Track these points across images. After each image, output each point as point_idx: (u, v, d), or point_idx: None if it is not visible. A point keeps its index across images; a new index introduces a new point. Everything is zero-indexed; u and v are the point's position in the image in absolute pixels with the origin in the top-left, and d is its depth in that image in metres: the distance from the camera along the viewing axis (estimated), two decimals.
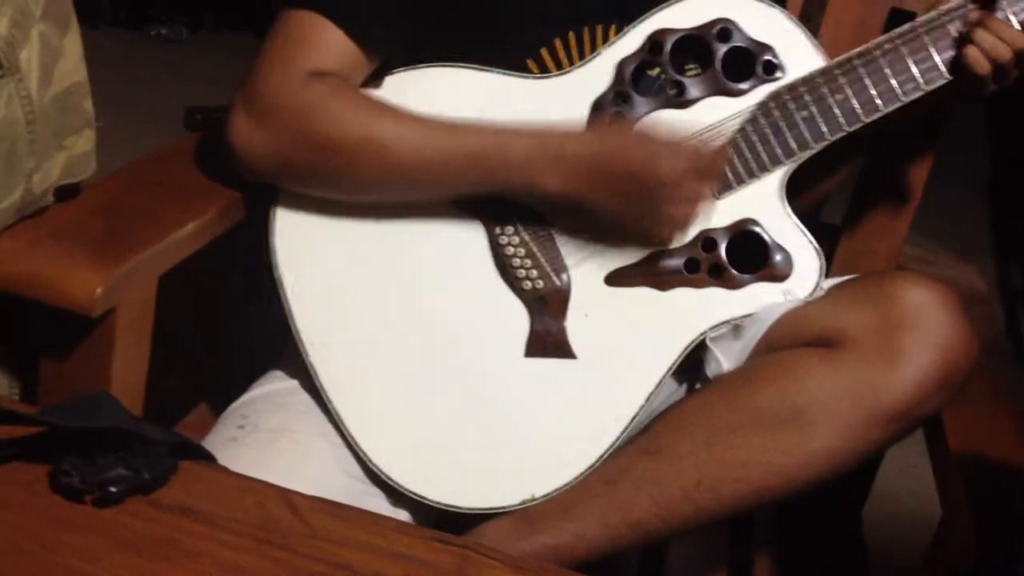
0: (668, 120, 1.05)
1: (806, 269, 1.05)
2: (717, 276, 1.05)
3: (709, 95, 1.06)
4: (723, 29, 1.06)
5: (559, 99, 1.06)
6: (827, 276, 1.06)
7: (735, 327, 1.04)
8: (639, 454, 1.01)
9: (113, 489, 0.70)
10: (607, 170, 0.99)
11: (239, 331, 1.26)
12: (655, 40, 1.06)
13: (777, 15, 1.07)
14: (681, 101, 1.06)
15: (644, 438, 1.02)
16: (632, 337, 1.05)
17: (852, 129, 1.05)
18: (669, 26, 1.06)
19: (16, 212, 0.92)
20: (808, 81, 1.05)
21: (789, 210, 1.06)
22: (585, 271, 1.05)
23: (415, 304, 1.05)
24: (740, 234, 1.05)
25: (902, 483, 1.69)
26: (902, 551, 1.50)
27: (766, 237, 1.05)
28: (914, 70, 1.04)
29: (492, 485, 1.02)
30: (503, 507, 1.01)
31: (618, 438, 1.03)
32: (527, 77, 1.07)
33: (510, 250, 1.05)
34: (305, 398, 1.05)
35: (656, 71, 1.07)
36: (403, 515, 1.03)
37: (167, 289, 0.99)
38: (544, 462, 1.03)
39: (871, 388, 0.95)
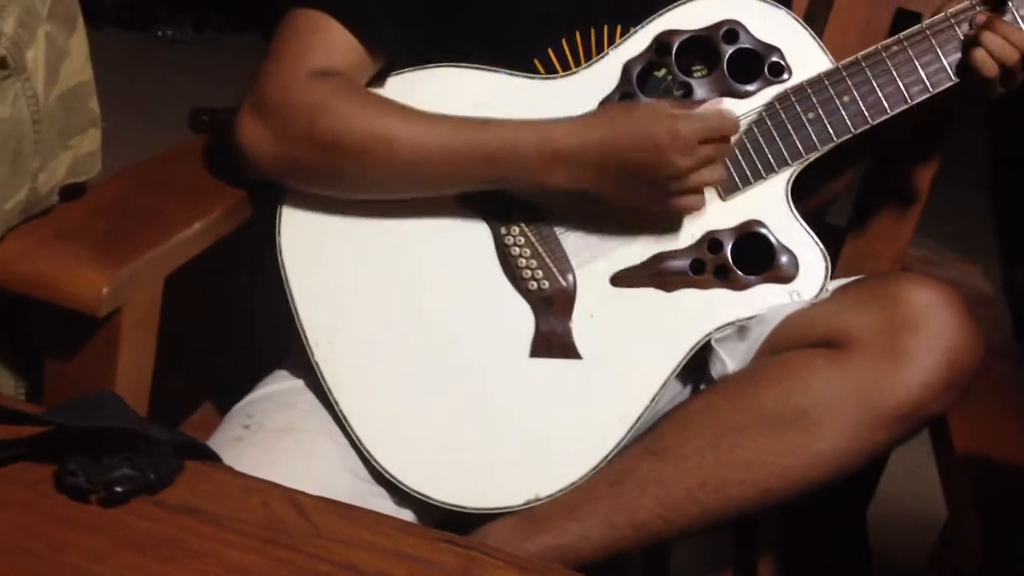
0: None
1: (812, 271, 1.04)
2: (723, 277, 1.05)
3: (716, 96, 1.06)
4: (730, 30, 1.06)
5: (565, 100, 1.06)
6: (832, 277, 1.06)
7: (740, 328, 1.04)
8: (644, 454, 1.01)
9: (118, 489, 0.70)
10: (611, 161, 0.99)
11: (245, 331, 1.26)
12: (662, 41, 1.06)
13: (784, 17, 1.07)
14: (688, 102, 1.05)
15: (649, 439, 1.02)
16: (637, 338, 1.04)
17: (859, 131, 1.05)
18: (676, 27, 1.06)
19: (22, 212, 0.92)
20: (815, 83, 1.05)
21: (795, 212, 1.05)
22: (591, 272, 1.05)
23: (421, 304, 1.05)
24: (746, 235, 1.05)
25: (907, 484, 1.68)
26: (907, 552, 1.49)
27: (772, 239, 1.05)
28: (921, 72, 1.04)
29: (497, 485, 1.02)
30: (507, 507, 1.01)
31: (623, 439, 1.03)
32: (533, 78, 1.07)
33: (516, 250, 1.05)
34: (310, 397, 1.05)
35: (663, 72, 1.07)
36: (408, 515, 1.03)
37: (173, 289, 0.99)
38: (549, 462, 1.03)
39: (876, 389, 0.95)
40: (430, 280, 1.05)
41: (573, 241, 1.05)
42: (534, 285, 1.05)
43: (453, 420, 1.03)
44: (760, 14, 1.07)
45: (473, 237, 1.05)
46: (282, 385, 1.08)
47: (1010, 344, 1.18)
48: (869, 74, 1.04)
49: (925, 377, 0.94)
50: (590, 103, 1.06)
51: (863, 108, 1.04)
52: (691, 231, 1.05)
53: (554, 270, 1.05)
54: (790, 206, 1.05)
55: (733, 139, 1.04)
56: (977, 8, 1.04)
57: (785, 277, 1.04)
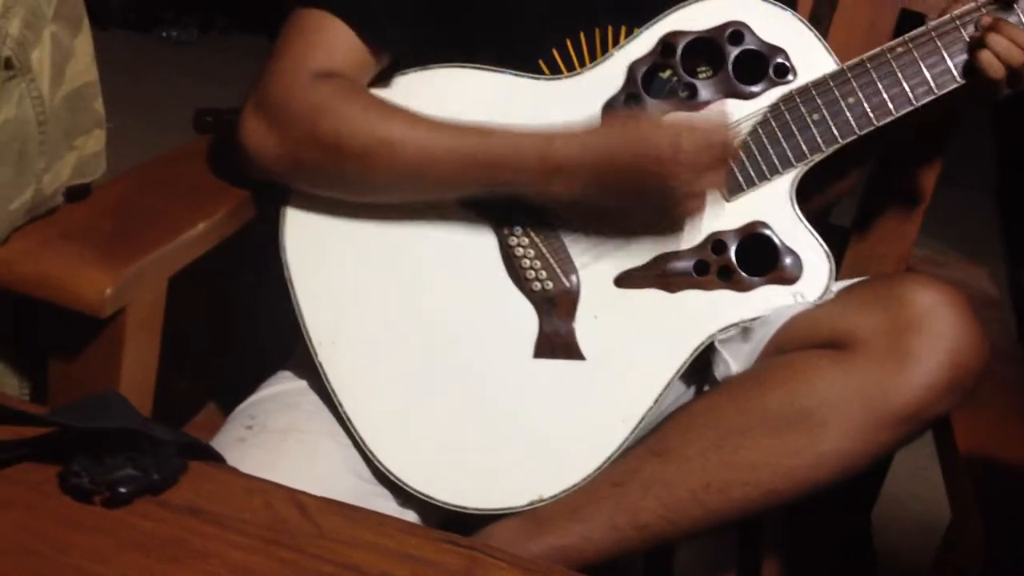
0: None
1: (816, 272, 1.04)
2: (727, 278, 1.05)
3: (721, 97, 1.06)
4: (735, 32, 1.06)
5: (570, 100, 1.06)
6: (837, 279, 1.06)
7: (744, 329, 1.04)
8: (647, 455, 1.01)
9: (122, 490, 0.70)
10: (611, 170, 0.98)
11: (248, 331, 1.26)
12: (667, 42, 1.06)
13: (789, 18, 1.07)
14: (692, 103, 1.06)
15: (652, 440, 1.02)
16: (641, 339, 1.04)
17: (863, 133, 1.05)
18: (681, 28, 1.06)
19: (27, 212, 0.92)
20: (820, 84, 1.05)
21: (799, 213, 1.05)
22: (594, 272, 1.05)
23: (424, 305, 1.05)
24: (750, 236, 1.05)
25: (911, 486, 1.68)
26: (910, 554, 1.49)
27: (776, 240, 1.05)
28: (926, 74, 1.04)
29: (500, 486, 1.02)
30: (511, 508, 1.01)
31: (626, 439, 1.02)
32: (538, 78, 1.07)
33: (519, 251, 1.05)
34: (314, 398, 1.05)
35: (668, 73, 1.07)
36: (411, 516, 1.03)
37: (177, 289, 1.00)
38: (552, 463, 1.03)
39: (881, 390, 0.95)
40: (434, 281, 1.05)
41: (577, 241, 1.05)
42: (538, 286, 1.05)
43: (456, 421, 1.03)
44: (765, 15, 1.06)
45: (477, 238, 1.05)
46: (285, 386, 1.08)
47: (1015, 346, 1.18)
48: (874, 75, 1.04)
49: (929, 378, 0.94)
50: (595, 104, 1.06)
51: (868, 110, 1.04)
52: (695, 232, 1.05)
53: (558, 271, 1.05)
54: (794, 207, 1.05)
55: (736, 142, 1.04)
56: (983, 10, 1.04)
57: (789, 278, 1.04)
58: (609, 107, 1.05)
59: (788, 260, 1.04)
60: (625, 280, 1.05)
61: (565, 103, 1.06)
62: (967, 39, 1.03)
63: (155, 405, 1.01)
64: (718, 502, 0.98)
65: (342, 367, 1.03)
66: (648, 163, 0.98)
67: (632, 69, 1.06)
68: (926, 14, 1.17)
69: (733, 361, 1.04)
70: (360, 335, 1.04)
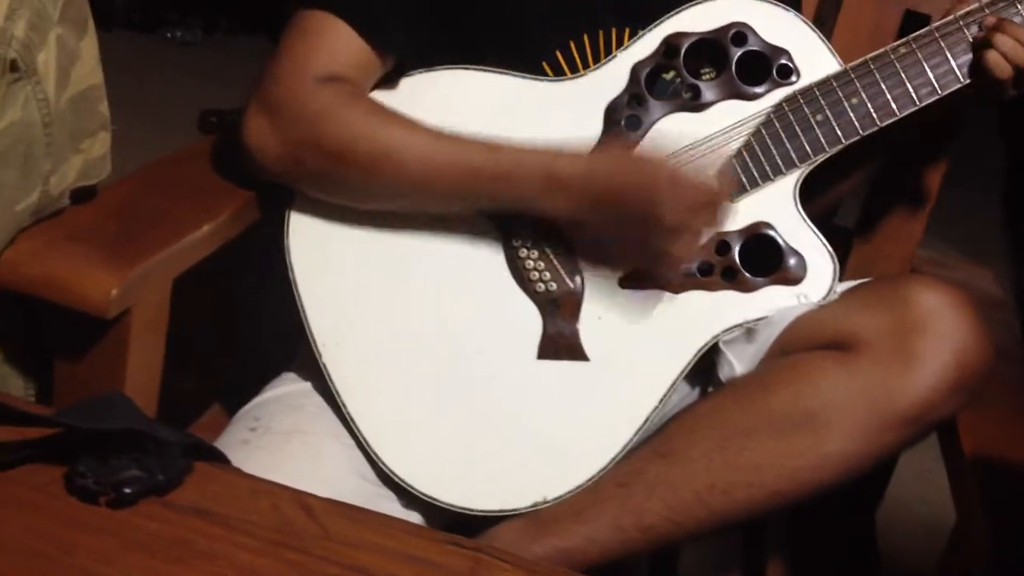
0: (681, 126, 1.05)
1: (820, 272, 1.04)
2: (730, 279, 1.05)
3: (724, 99, 1.06)
4: (738, 33, 1.06)
5: (573, 102, 1.06)
6: (841, 280, 1.06)
7: (748, 330, 1.04)
8: (652, 457, 1.01)
9: (127, 490, 0.70)
10: (609, 196, 0.98)
11: (253, 333, 1.27)
12: (670, 44, 1.06)
13: (792, 19, 1.07)
14: (696, 104, 1.06)
15: (657, 441, 1.02)
16: (645, 340, 1.04)
17: (867, 133, 1.05)
18: (684, 30, 1.06)
19: (33, 214, 0.93)
20: (823, 85, 1.05)
21: (803, 214, 1.05)
22: (598, 273, 1.05)
23: (427, 305, 1.05)
24: (754, 237, 1.05)
25: (916, 488, 1.68)
26: (915, 557, 1.49)
27: (780, 240, 1.05)
28: (930, 74, 1.04)
29: (504, 487, 1.02)
30: (515, 509, 1.01)
31: (630, 440, 1.02)
32: (541, 79, 1.07)
33: (523, 252, 1.05)
34: (318, 400, 1.05)
35: (671, 75, 1.07)
36: (415, 517, 1.03)
37: (182, 291, 1.00)
38: (556, 464, 1.03)
39: (885, 391, 0.95)
40: (437, 282, 1.05)
41: (581, 243, 1.05)
42: (541, 287, 1.05)
43: (460, 422, 1.03)
44: (768, 16, 1.07)
45: (481, 239, 1.05)
46: (289, 388, 1.08)
47: (1019, 347, 1.18)
48: (877, 76, 1.04)
49: (934, 380, 0.94)
50: (598, 105, 1.06)
51: (871, 110, 1.04)
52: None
53: (561, 272, 1.05)
54: (798, 208, 1.05)
55: (740, 144, 1.05)
56: (986, 10, 1.03)
57: (793, 279, 1.04)
58: (612, 109, 1.06)
59: (792, 261, 1.04)
60: (629, 281, 1.05)
61: (569, 104, 1.06)
62: (970, 39, 1.03)
63: (160, 406, 1.01)
64: (722, 503, 0.98)
65: (346, 369, 1.03)
66: (643, 195, 0.98)
67: (635, 70, 1.06)
68: (931, 15, 1.17)
69: (737, 362, 1.04)
70: (364, 337, 1.04)
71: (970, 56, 1.04)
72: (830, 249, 1.05)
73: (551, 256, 1.05)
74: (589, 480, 1.01)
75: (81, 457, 0.71)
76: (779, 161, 1.05)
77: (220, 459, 0.81)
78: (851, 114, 1.04)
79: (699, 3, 1.07)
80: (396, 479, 1.02)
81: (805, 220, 1.05)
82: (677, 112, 1.06)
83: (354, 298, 1.05)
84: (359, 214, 1.05)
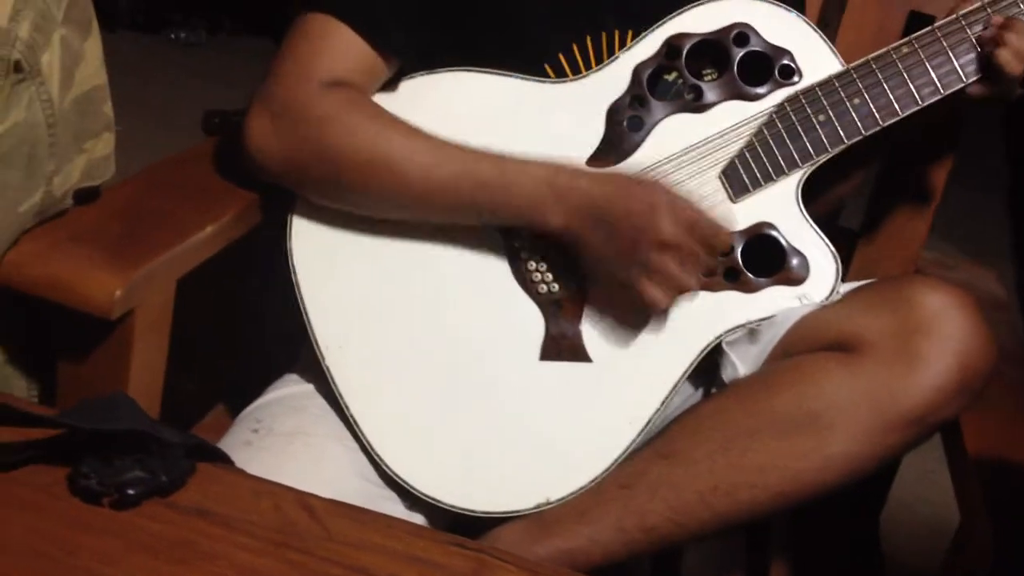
0: (683, 127, 1.05)
1: (823, 273, 1.04)
2: (733, 279, 1.04)
3: (726, 99, 1.06)
4: (740, 33, 1.06)
5: (575, 103, 1.06)
6: (844, 281, 1.06)
7: (751, 331, 1.04)
8: (655, 458, 1.01)
9: (130, 491, 0.70)
10: (608, 219, 0.98)
11: (256, 334, 1.27)
12: (672, 44, 1.06)
13: (794, 19, 1.07)
14: (698, 105, 1.06)
15: (660, 442, 1.02)
16: (647, 341, 1.04)
17: (869, 133, 1.04)
18: (686, 30, 1.06)
19: (36, 215, 0.93)
20: (825, 85, 1.05)
21: (806, 214, 1.05)
22: (600, 275, 1.05)
23: (430, 307, 1.05)
24: (756, 237, 1.05)
25: (919, 490, 1.68)
26: (919, 558, 1.49)
27: (782, 241, 1.05)
28: (932, 74, 1.04)
29: (507, 489, 1.02)
30: (518, 511, 1.01)
31: (633, 442, 1.02)
32: (543, 81, 1.07)
33: (525, 254, 1.05)
34: (320, 402, 1.05)
35: (673, 75, 1.07)
36: (418, 519, 1.03)
37: (185, 292, 1.00)
38: (559, 466, 1.03)
39: (889, 393, 0.94)
40: (440, 284, 1.05)
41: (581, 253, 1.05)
42: (544, 288, 1.05)
43: (463, 423, 1.03)
44: (770, 17, 1.06)
45: (483, 241, 1.05)
46: (292, 389, 1.08)
47: (1023, 348, 1.18)
48: (880, 76, 1.04)
49: (937, 381, 0.94)
50: (600, 106, 1.06)
51: (873, 110, 1.04)
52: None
53: (564, 273, 1.05)
54: (800, 208, 1.05)
55: (742, 145, 1.05)
56: (988, 9, 1.03)
57: (796, 279, 1.04)
58: (614, 110, 1.06)
59: (795, 261, 1.04)
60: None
61: (571, 106, 1.06)
62: (972, 39, 1.03)
63: (163, 407, 1.01)
64: (725, 505, 0.98)
65: (349, 371, 1.03)
66: (640, 207, 0.98)
67: (637, 71, 1.06)
68: (935, 16, 1.17)
69: (741, 363, 1.04)
70: (367, 339, 1.04)
71: (972, 55, 1.03)
72: (833, 249, 1.05)
73: (553, 257, 1.05)
74: (592, 481, 1.01)
75: (84, 458, 0.72)
76: (781, 161, 1.05)
77: (223, 460, 0.81)
78: (853, 114, 1.04)
79: (701, 4, 1.07)
80: (399, 481, 1.02)
81: (808, 220, 1.05)
82: (679, 113, 1.06)
83: (357, 301, 1.05)
84: (361, 217, 1.05)
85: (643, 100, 1.06)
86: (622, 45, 1.08)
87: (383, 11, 1.03)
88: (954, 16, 1.04)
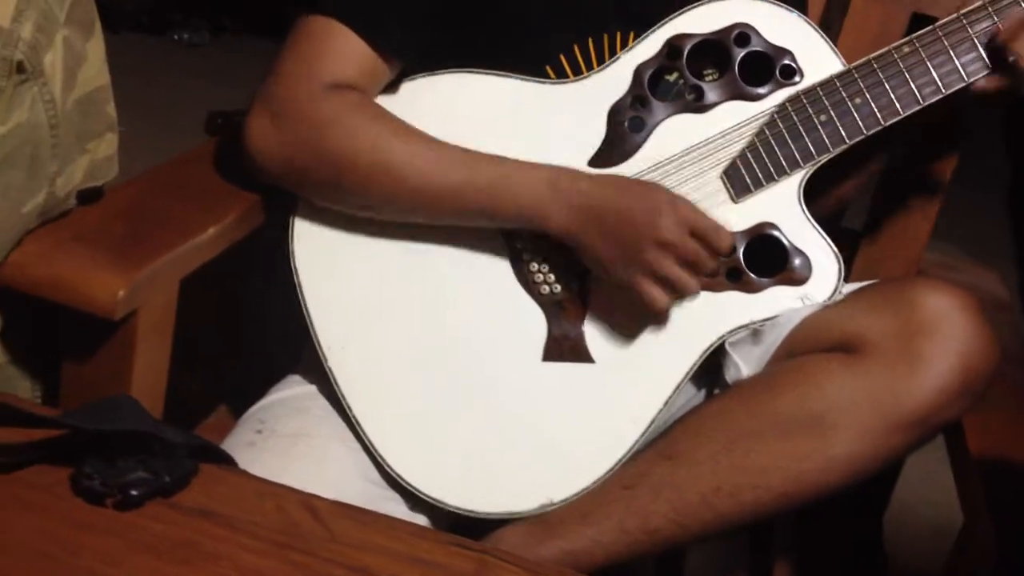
0: (685, 127, 1.05)
1: (825, 273, 1.04)
2: (735, 280, 1.04)
3: (727, 99, 1.06)
4: (741, 34, 1.06)
5: (576, 104, 1.06)
6: (847, 281, 1.06)
7: (754, 332, 1.04)
8: (658, 459, 1.01)
9: (134, 492, 0.71)
10: (608, 220, 0.99)
11: (259, 335, 1.27)
12: (673, 45, 1.06)
13: (795, 19, 1.07)
14: (699, 105, 1.06)
15: (663, 443, 1.02)
16: (650, 341, 1.04)
17: (871, 133, 1.04)
18: (687, 31, 1.06)
19: (39, 215, 0.93)
20: (826, 85, 1.05)
21: (808, 214, 1.05)
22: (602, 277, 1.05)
23: (432, 309, 1.05)
24: (759, 238, 1.05)
25: (922, 491, 1.67)
26: (922, 559, 1.49)
27: (785, 241, 1.05)
28: (933, 73, 1.03)
29: (510, 490, 1.02)
30: (521, 512, 1.01)
31: (636, 442, 1.02)
32: (545, 82, 1.07)
33: (527, 255, 1.05)
34: (323, 403, 1.06)
35: (674, 76, 1.07)
36: (421, 520, 1.03)
37: (188, 292, 1.00)
38: (562, 467, 1.03)
39: (892, 394, 0.94)
40: (442, 285, 1.05)
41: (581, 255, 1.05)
42: (546, 289, 1.05)
43: (465, 425, 1.03)
44: (771, 17, 1.06)
45: (485, 242, 1.05)
46: (295, 390, 1.08)
47: None
48: (881, 76, 1.04)
49: (940, 382, 0.94)
50: (602, 107, 1.06)
51: (875, 110, 1.04)
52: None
53: (566, 274, 1.05)
54: (803, 208, 1.05)
55: (744, 145, 1.05)
56: (989, 8, 1.03)
57: (798, 279, 1.04)
58: (615, 110, 1.06)
59: (797, 261, 1.04)
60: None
61: (572, 107, 1.06)
62: (974, 39, 1.03)
63: (166, 407, 1.01)
64: (728, 505, 0.98)
65: (351, 373, 1.03)
66: (642, 207, 0.98)
67: (639, 72, 1.06)
68: (938, 18, 1.17)
69: (744, 364, 1.04)
70: (369, 340, 1.04)
71: (974, 54, 1.03)
72: (835, 249, 1.05)
73: (555, 259, 1.05)
74: (595, 482, 1.01)
75: (87, 458, 0.72)
76: (783, 162, 1.05)
77: (226, 461, 0.81)
78: (855, 114, 1.04)
79: (702, 4, 1.07)
80: (402, 482, 1.02)
81: (810, 220, 1.05)
82: (680, 113, 1.06)
83: (358, 302, 1.05)
84: (363, 218, 1.05)
85: (644, 101, 1.06)
86: (623, 46, 1.08)
87: (384, 12, 1.03)
88: (955, 15, 1.04)
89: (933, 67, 1.04)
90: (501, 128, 1.04)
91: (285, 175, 1.03)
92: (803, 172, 1.05)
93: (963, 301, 0.96)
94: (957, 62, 1.03)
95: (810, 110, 1.04)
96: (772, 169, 1.05)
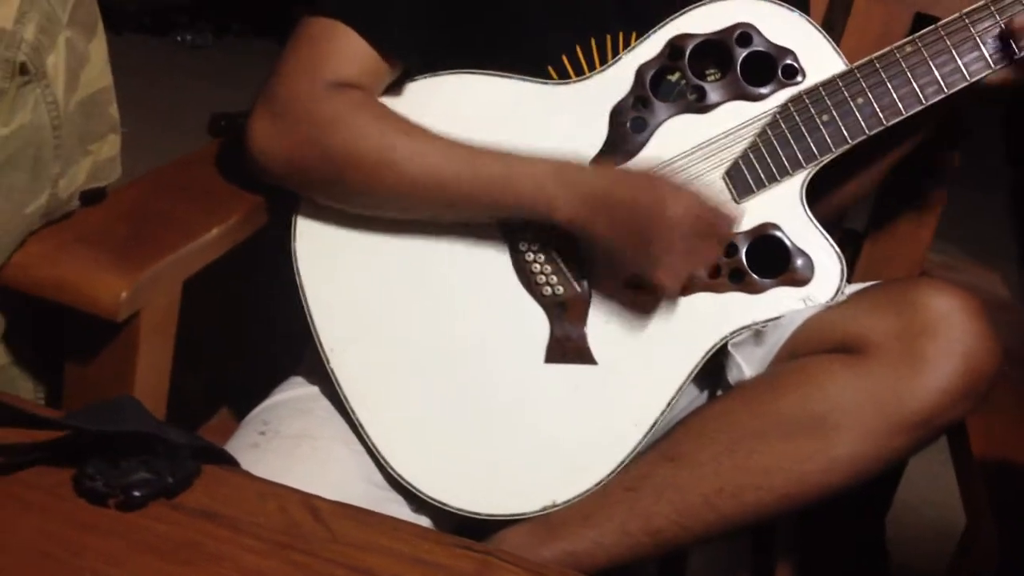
0: (687, 127, 1.05)
1: (827, 274, 1.04)
2: (738, 281, 1.04)
3: (729, 99, 1.06)
4: (743, 34, 1.06)
5: (579, 105, 1.06)
6: (850, 282, 1.05)
7: (757, 333, 1.04)
8: (660, 460, 1.01)
9: (136, 493, 0.71)
10: (617, 205, 0.99)
11: (262, 336, 1.27)
12: (675, 45, 1.06)
13: (797, 19, 1.07)
14: (701, 106, 1.06)
15: (665, 444, 1.02)
16: (653, 342, 1.04)
17: (873, 133, 1.04)
18: (689, 31, 1.06)
19: (42, 216, 0.93)
20: (828, 85, 1.05)
21: (810, 215, 1.05)
22: (605, 276, 1.05)
23: (435, 310, 1.05)
24: (761, 238, 1.05)
25: (925, 492, 1.67)
26: (924, 560, 1.49)
27: (787, 242, 1.05)
28: (936, 73, 1.03)
29: (513, 491, 1.02)
30: (523, 513, 1.01)
31: (639, 444, 1.02)
32: (546, 83, 1.07)
33: (530, 256, 1.05)
34: (326, 404, 1.06)
35: (676, 76, 1.07)
36: (424, 521, 1.03)
37: (191, 293, 1.00)
38: (565, 468, 1.03)
39: (894, 395, 0.94)
40: (444, 286, 1.05)
41: (588, 247, 1.05)
42: (548, 291, 1.05)
43: (468, 426, 1.03)
44: (773, 17, 1.06)
45: (487, 244, 1.05)
46: (298, 392, 1.08)
47: None
48: (883, 75, 1.04)
49: (943, 383, 0.94)
50: (604, 108, 1.06)
51: (877, 110, 1.04)
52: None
53: (568, 275, 1.05)
54: (805, 209, 1.05)
55: (746, 145, 1.04)
56: (992, 7, 1.03)
57: (801, 280, 1.04)
58: (617, 111, 1.06)
59: (799, 262, 1.04)
60: (636, 283, 1.05)
61: (574, 107, 1.06)
62: (977, 37, 1.03)
63: (169, 408, 1.02)
64: (731, 507, 0.97)
65: (354, 374, 1.03)
66: (648, 193, 0.98)
67: (640, 72, 1.06)
68: (941, 17, 1.16)
69: (746, 365, 1.04)
70: (371, 342, 1.04)
71: (977, 54, 1.03)
72: (837, 250, 1.05)
73: (558, 259, 1.05)
74: (598, 484, 1.01)
75: (90, 459, 0.72)
76: (785, 162, 1.05)
77: (229, 462, 0.81)
78: (857, 114, 1.04)
79: (704, 4, 1.07)
80: (405, 484, 1.02)
81: (812, 221, 1.05)
82: (682, 114, 1.06)
83: (361, 303, 1.05)
84: (366, 218, 1.05)
85: (646, 101, 1.06)
86: (625, 46, 1.08)
87: (386, 13, 1.03)
88: (958, 14, 1.04)
89: (935, 67, 1.03)
90: (503, 129, 1.04)
91: (288, 176, 1.03)
92: (805, 172, 1.05)
93: (966, 302, 0.96)
94: (959, 61, 1.03)
95: (812, 110, 1.04)
96: (774, 169, 1.05)
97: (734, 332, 1.04)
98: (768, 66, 1.06)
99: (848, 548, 1.23)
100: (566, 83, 1.07)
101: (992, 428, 1.00)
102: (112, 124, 0.98)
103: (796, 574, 1.15)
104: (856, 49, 1.10)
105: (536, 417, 1.04)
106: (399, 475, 1.02)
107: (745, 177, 1.05)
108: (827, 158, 1.05)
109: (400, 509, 1.02)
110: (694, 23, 1.06)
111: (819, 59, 1.06)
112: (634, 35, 1.08)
